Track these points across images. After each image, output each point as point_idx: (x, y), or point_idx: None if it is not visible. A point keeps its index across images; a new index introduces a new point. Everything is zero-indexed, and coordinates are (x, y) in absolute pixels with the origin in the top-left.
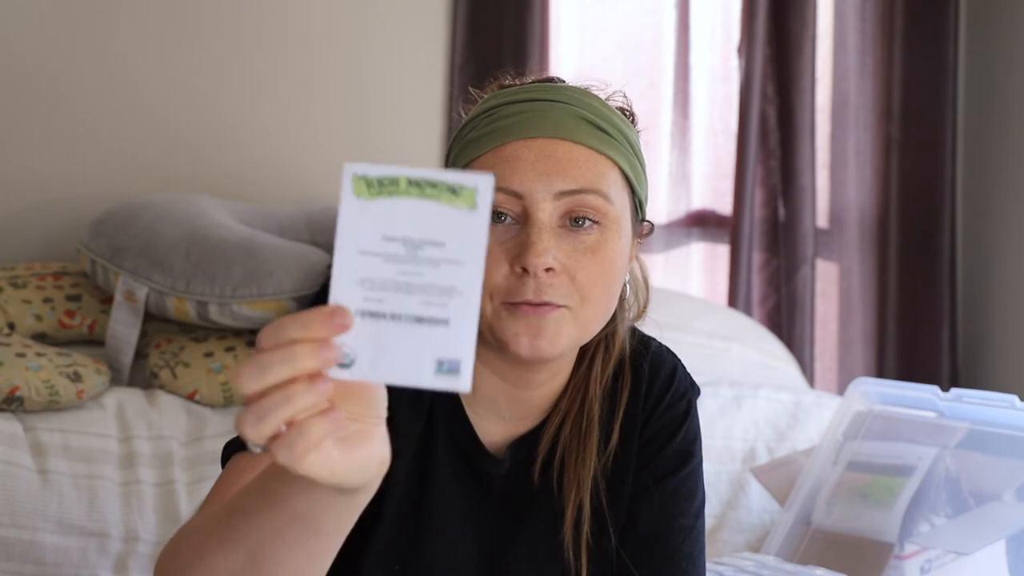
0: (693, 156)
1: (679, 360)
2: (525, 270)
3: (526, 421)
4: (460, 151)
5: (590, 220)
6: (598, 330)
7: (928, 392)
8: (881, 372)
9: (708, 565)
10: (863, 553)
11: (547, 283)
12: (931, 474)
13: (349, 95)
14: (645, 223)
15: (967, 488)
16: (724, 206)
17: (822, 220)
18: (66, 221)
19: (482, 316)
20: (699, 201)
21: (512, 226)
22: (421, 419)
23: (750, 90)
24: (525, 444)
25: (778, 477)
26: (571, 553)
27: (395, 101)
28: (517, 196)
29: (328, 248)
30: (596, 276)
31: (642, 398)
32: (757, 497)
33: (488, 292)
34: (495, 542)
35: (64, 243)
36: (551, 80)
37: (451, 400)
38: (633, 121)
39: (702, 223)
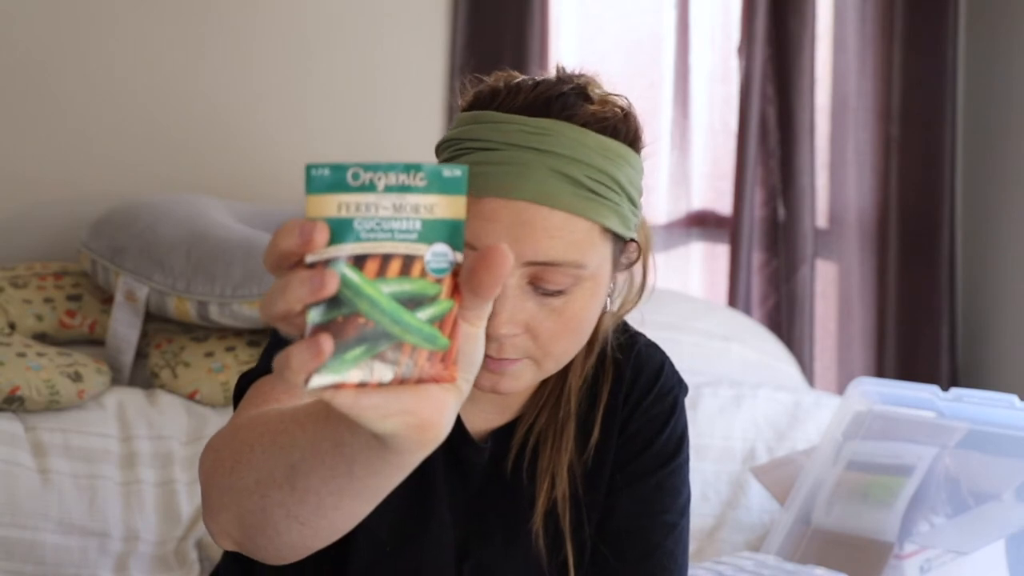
0: (693, 156)
1: (667, 357)
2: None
3: (508, 412)
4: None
5: (557, 289)
6: (565, 364)
7: (928, 392)
8: (881, 372)
9: (708, 564)
10: (863, 553)
11: (509, 344)
12: (931, 474)
13: (349, 95)
14: (632, 243)
15: (967, 488)
16: (724, 206)
17: (822, 220)
18: (67, 221)
19: None
20: (699, 201)
21: None
22: None
23: (750, 90)
24: (505, 433)
25: (778, 477)
26: (542, 542)
27: (395, 101)
28: None
29: None
30: (559, 335)
31: (624, 392)
32: (757, 497)
33: None
34: (472, 528)
35: (65, 243)
36: (557, 91)
37: None
38: (636, 137)
39: (702, 223)
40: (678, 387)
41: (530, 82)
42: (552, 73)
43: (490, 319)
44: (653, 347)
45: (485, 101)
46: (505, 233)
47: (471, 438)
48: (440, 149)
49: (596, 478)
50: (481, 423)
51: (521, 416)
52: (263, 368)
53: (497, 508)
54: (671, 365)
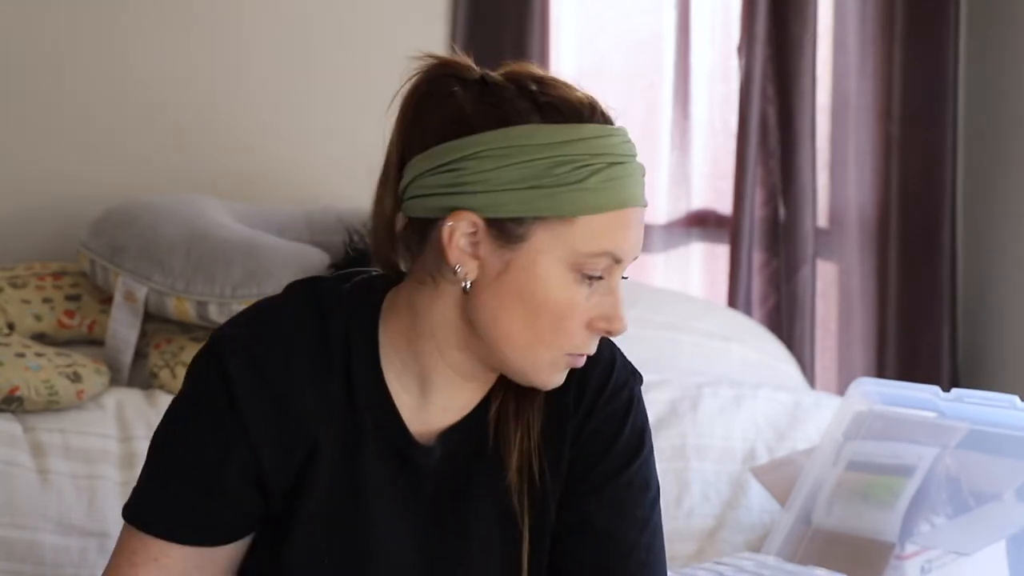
0: (693, 156)
1: (617, 350)
2: (607, 332)
3: (459, 412)
4: (567, 181)
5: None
6: None
7: (928, 392)
8: (881, 372)
9: (708, 565)
10: (863, 553)
11: None
12: (931, 474)
13: (349, 95)
14: None
15: (968, 488)
16: (724, 206)
17: (822, 220)
18: (66, 221)
19: (529, 357)
20: (699, 201)
21: (594, 283)
22: (339, 409)
23: (750, 90)
24: (455, 432)
25: (778, 477)
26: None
27: (395, 101)
28: (618, 262)
29: (328, 248)
30: None
31: (573, 394)
32: (757, 497)
33: (559, 345)
34: (432, 531)
35: (64, 243)
36: (596, 99)
37: (378, 391)
38: None
39: (702, 223)
40: (632, 379)
41: (579, 94)
42: (562, 77)
43: (611, 320)
44: (603, 341)
45: (570, 115)
46: (636, 238)
47: (416, 441)
48: (554, 168)
49: (552, 482)
50: (430, 422)
51: (478, 410)
52: (158, 509)
53: (460, 506)
54: (622, 357)
